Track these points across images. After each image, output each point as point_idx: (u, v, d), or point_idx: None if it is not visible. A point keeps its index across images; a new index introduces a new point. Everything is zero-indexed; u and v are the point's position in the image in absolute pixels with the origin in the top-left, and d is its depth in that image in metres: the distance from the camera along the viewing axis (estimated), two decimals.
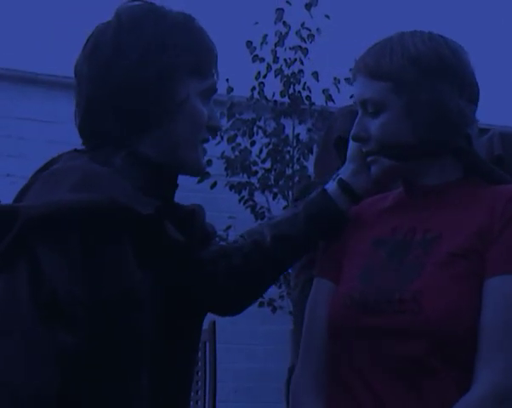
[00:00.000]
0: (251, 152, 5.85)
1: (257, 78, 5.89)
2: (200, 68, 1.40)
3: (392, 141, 1.43)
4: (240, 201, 5.66)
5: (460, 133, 1.43)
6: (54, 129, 6.00)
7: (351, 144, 1.52)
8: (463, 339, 1.33)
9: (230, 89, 5.95)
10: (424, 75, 1.41)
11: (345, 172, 1.54)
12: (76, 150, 1.41)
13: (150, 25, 1.38)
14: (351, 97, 6.26)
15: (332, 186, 1.53)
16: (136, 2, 1.42)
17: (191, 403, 3.47)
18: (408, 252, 1.41)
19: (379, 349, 1.37)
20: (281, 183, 5.78)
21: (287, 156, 5.86)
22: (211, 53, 1.43)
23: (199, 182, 4.94)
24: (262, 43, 5.82)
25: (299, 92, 5.88)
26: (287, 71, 5.87)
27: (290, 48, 5.85)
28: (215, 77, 1.43)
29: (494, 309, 1.32)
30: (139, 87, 1.35)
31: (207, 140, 1.44)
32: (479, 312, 1.33)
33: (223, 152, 5.44)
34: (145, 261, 1.29)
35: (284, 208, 5.31)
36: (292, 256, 1.56)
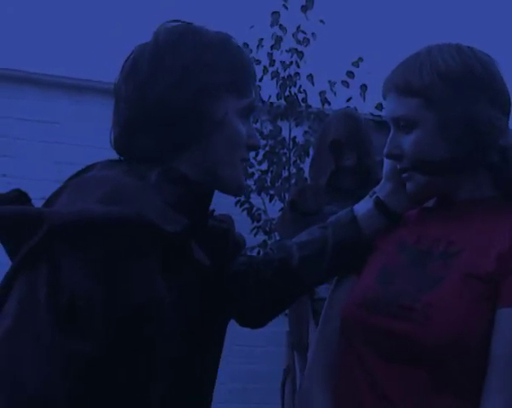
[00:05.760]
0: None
1: None
2: (237, 86, 1.40)
3: (426, 157, 1.43)
4: (236, 203, 5.67)
5: (492, 145, 1.42)
6: (50, 129, 6.00)
7: (387, 162, 1.52)
8: (465, 362, 1.33)
9: None
10: (455, 90, 1.40)
11: (382, 190, 1.53)
12: (110, 160, 1.42)
13: (187, 47, 1.38)
14: (348, 100, 6.21)
15: (368, 205, 1.53)
16: (174, 23, 1.42)
17: None
18: (429, 261, 1.41)
19: (385, 350, 1.38)
20: (277, 185, 5.78)
21: (284, 158, 5.86)
22: (248, 71, 1.43)
23: None
24: (258, 46, 5.83)
25: (295, 94, 5.88)
26: (283, 74, 5.87)
27: (286, 51, 5.85)
28: (253, 95, 1.44)
29: (506, 342, 1.32)
30: (176, 108, 1.36)
31: (246, 159, 1.44)
32: (485, 337, 1.33)
33: None
34: (170, 276, 1.29)
35: (280, 210, 5.32)
36: (318, 278, 1.57)
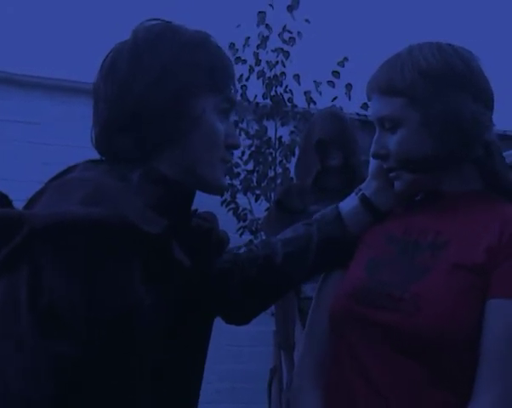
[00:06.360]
0: (233, 154, 5.85)
1: (239, 81, 5.89)
2: (216, 85, 1.40)
3: (412, 155, 1.44)
4: (222, 203, 5.67)
5: (477, 140, 1.44)
6: (36, 130, 5.97)
7: (373, 161, 1.53)
8: (456, 354, 1.34)
9: None
10: (437, 87, 1.42)
11: (368, 188, 1.54)
12: (92, 160, 1.41)
13: (166, 46, 1.38)
14: (333, 100, 6.21)
15: (354, 202, 1.54)
16: (153, 22, 1.42)
17: None
18: (418, 252, 1.43)
19: (376, 342, 1.39)
20: (263, 184, 5.78)
21: (270, 158, 5.86)
22: (227, 70, 1.43)
23: None
24: (245, 45, 5.83)
25: (281, 94, 5.89)
26: (269, 74, 5.88)
27: (272, 51, 5.86)
28: (232, 94, 1.44)
29: (496, 333, 1.33)
30: (155, 108, 1.36)
31: (228, 160, 1.44)
32: (475, 330, 1.34)
33: None
34: (151, 277, 1.29)
35: (266, 210, 5.32)
36: (302, 275, 1.58)
